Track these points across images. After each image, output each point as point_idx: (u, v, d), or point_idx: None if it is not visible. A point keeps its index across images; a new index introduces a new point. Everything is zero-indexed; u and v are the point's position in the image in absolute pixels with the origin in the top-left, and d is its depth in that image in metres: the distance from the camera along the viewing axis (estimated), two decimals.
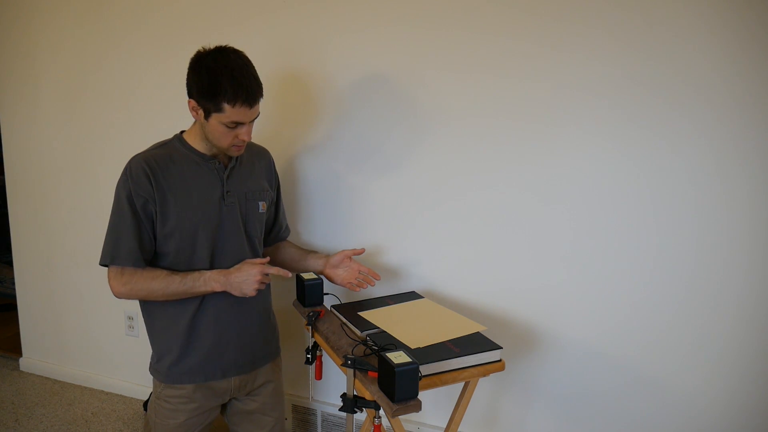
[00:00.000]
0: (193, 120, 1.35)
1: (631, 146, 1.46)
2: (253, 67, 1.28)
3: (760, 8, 1.31)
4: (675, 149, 1.42)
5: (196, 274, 1.31)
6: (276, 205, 1.58)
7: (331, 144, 1.77)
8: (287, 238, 1.66)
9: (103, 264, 1.32)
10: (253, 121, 1.30)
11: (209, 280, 1.31)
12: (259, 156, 1.51)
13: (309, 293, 1.50)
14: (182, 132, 1.39)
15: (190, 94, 1.27)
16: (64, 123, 2.15)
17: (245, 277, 1.30)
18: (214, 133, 1.28)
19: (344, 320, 1.41)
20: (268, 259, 1.38)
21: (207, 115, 1.26)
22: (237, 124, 1.26)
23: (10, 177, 2.32)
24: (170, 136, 1.41)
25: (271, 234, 1.58)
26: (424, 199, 1.69)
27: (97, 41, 2.03)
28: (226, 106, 1.22)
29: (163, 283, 1.29)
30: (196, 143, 1.35)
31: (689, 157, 1.42)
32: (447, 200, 1.67)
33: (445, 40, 1.59)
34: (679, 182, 1.43)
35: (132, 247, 1.28)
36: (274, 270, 1.33)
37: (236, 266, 1.34)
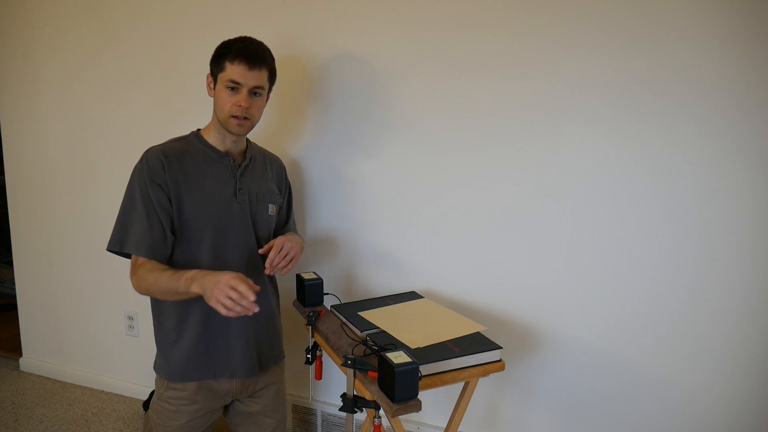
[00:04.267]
0: (208, 121, 1.39)
1: (631, 145, 1.46)
2: (267, 48, 1.35)
3: (761, 7, 1.31)
4: (676, 148, 1.42)
5: (181, 272, 1.19)
6: (287, 212, 1.59)
7: (332, 144, 1.77)
8: None
9: (110, 249, 1.29)
10: (254, 91, 1.32)
11: (189, 279, 1.17)
12: (271, 161, 1.54)
13: (309, 293, 1.50)
14: (198, 129, 1.43)
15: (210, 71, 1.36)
16: (64, 123, 2.15)
17: (217, 279, 1.10)
18: (218, 101, 1.33)
19: (344, 320, 1.41)
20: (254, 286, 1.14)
21: (215, 83, 1.33)
22: (236, 86, 1.29)
23: (10, 177, 2.32)
24: (170, 135, 1.42)
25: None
26: (424, 199, 1.69)
27: (96, 40, 2.03)
28: (227, 64, 1.29)
29: (154, 277, 1.22)
30: (211, 138, 1.39)
31: (690, 157, 1.42)
32: (447, 200, 1.67)
33: (443, 41, 1.59)
34: (680, 181, 1.43)
35: (141, 235, 1.26)
36: (246, 285, 1.10)
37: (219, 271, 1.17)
